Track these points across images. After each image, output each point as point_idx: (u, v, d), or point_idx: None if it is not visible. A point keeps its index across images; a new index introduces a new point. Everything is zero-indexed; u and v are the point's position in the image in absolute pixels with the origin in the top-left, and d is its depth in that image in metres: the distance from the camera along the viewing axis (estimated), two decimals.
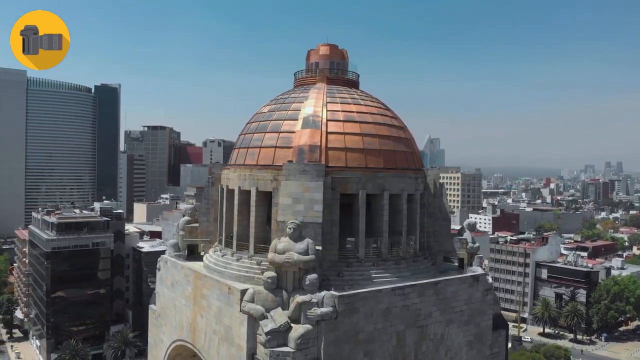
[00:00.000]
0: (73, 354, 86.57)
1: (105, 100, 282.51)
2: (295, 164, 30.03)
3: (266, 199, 31.63)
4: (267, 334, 25.70)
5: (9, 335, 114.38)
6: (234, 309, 27.77)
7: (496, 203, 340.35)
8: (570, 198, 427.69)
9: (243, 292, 27.40)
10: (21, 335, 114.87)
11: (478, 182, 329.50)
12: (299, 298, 26.27)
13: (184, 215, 38.60)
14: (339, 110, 32.96)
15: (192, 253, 37.09)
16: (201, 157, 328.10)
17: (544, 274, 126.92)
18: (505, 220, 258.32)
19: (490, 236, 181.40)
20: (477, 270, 34.15)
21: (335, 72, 36.99)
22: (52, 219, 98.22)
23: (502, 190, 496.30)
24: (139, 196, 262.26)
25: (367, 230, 31.51)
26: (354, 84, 37.49)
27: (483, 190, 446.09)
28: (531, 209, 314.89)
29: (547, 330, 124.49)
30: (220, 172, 35.93)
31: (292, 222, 27.70)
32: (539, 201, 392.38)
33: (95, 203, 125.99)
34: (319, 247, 28.03)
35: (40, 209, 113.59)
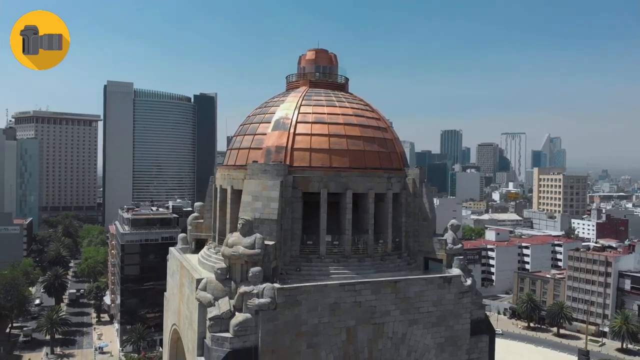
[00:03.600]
0: (138, 336, 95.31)
1: (204, 107, 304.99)
2: (257, 164, 31.95)
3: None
4: (210, 319, 27.87)
5: (97, 319, 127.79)
6: (194, 296, 30.33)
7: (609, 207, 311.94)
8: None
9: (198, 281, 29.83)
10: (108, 319, 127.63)
11: (583, 184, 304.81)
12: (242, 288, 28.14)
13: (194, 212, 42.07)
14: (310, 113, 34.27)
15: (202, 246, 40.24)
16: None
17: (627, 284, 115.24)
18: (611, 227, 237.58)
19: (583, 243, 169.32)
20: (453, 271, 33.56)
21: (320, 75, 38.27)
22: (128, 215, 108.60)
23: (624, 193, 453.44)
24: None
25: (335, 228, 32.58)
26: (339, 87, 38.47)
27: (600, 194, 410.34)
28: None
29: (628, 346, 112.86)
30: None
31: (242, 218, 29.66)
32: None
33: (169, 202, 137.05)
34: (270, 242, 29.62)
35: (125, 206, 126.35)
